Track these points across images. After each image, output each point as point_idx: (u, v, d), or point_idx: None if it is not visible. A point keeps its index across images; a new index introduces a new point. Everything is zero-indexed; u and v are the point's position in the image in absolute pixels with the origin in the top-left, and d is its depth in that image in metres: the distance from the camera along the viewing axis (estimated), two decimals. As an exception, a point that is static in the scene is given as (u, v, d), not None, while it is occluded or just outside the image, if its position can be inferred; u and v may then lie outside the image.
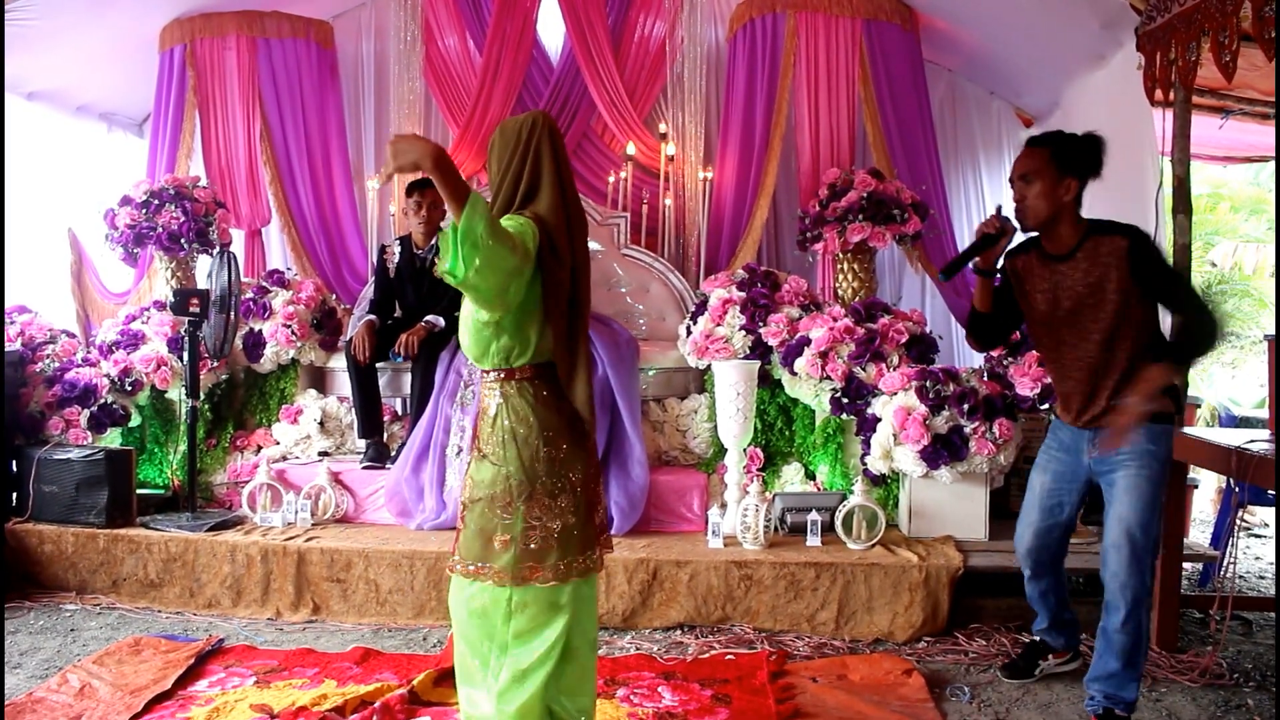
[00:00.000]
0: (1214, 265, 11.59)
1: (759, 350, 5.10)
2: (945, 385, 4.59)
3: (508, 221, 2.45)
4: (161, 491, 5.29)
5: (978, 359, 5.63)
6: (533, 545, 2.54)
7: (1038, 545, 3.54)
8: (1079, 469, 3.40)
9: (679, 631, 4.27)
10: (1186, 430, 4.22)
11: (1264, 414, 6.82)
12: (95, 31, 6.10)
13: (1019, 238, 3.39)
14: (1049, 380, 3.63)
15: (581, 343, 2.63)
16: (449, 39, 6.88)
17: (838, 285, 5.97)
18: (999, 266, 3.43)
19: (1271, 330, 4.17)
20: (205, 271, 5.48)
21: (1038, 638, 3.80)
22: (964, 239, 6.87)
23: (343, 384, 5.61)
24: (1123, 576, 3.21)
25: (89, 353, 5.47)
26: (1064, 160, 3.23)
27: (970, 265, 3.40)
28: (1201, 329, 3.14)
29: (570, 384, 2.60)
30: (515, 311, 2.50)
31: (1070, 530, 3.56)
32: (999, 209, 3.39)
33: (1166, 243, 4.51)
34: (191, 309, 5.02)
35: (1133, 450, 3.21)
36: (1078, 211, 3.28)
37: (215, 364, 5.43)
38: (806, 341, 4.95)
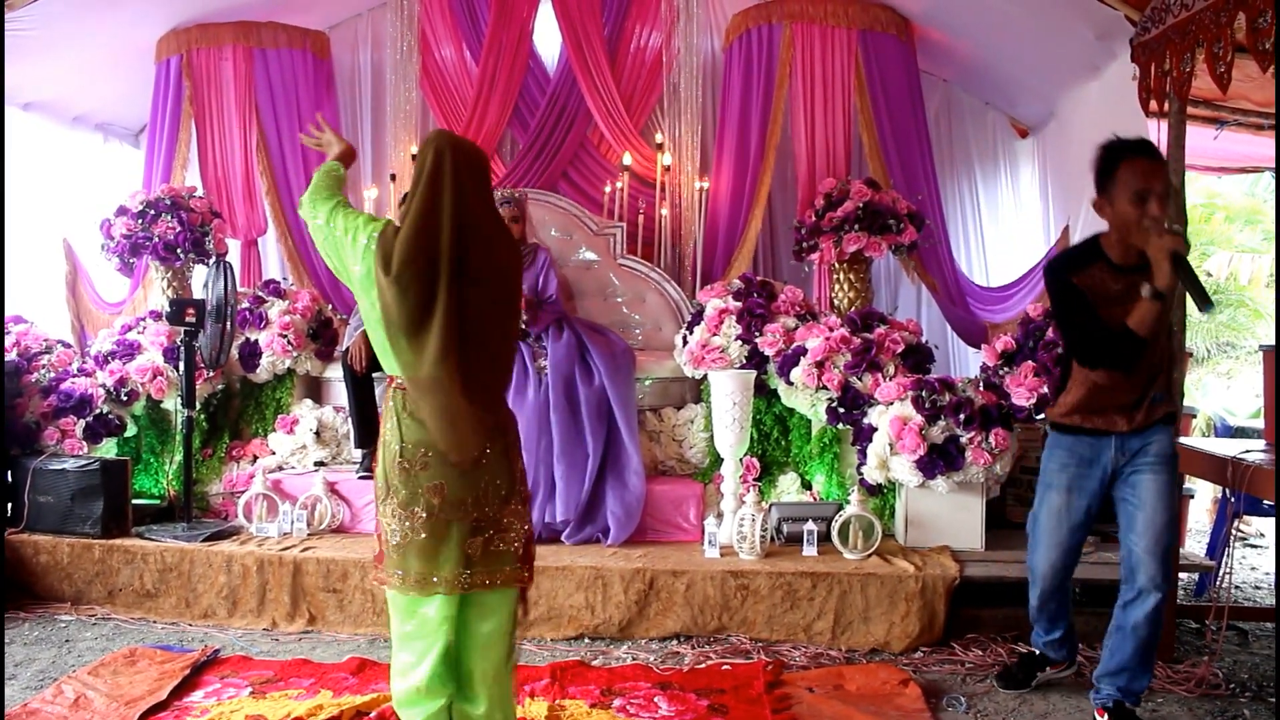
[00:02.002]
0: (1209, 275, 11.63)
1: (755, 360, 5.11)
2: (941, 395, 4.60)
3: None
4: (157, 502, 5.28)
5: (973, 369, 5.64)
6: (386, 548, 2.64)
7: (1065, 563, 3.57)
8: (1103, 478, 3.42)
9: (675, 642, 4.27)
10: (1183, 440, 4.23)
11: (1259, 424, 6.83)
12: (92, 42, 6.10)
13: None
14: (1066, 391, 3.46)
15: (428, 361, 2.49)
16: (445, 49, 6.90)
17: (834, 295, 5.98)
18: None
19: (1266, 340, 4.17)
20: (201, 282, 5.47)
21: (1038, 650, 3.80)
22: (959, 248, 6.89)
23: (339, 394, 5.62)
24: (1159, 578, 3.29)
25: (85, 363, 5.46)
26: None
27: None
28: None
29: (418, 403, 2.57)
30: (367, 320, 2.64)
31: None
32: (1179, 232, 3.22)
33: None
34: (187, 319, 5.01)
35: (1158, 454, 3.32)
36: None
37: (211, 374, 5.41)
38: (802, 351, 4.96)
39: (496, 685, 2.72)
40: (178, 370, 5.20)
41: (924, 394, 4.60)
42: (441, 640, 2.63)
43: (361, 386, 5.22)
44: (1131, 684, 3.35)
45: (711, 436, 5.04)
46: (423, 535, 2.58)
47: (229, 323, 5.14)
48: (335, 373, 5.64)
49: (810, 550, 4.54)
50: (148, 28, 6.39)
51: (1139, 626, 3.31)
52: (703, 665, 3.97)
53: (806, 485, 5.09)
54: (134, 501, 4.99)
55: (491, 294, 2.58)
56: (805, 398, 4.98)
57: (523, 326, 5.23)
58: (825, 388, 4.88)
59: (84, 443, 5.10)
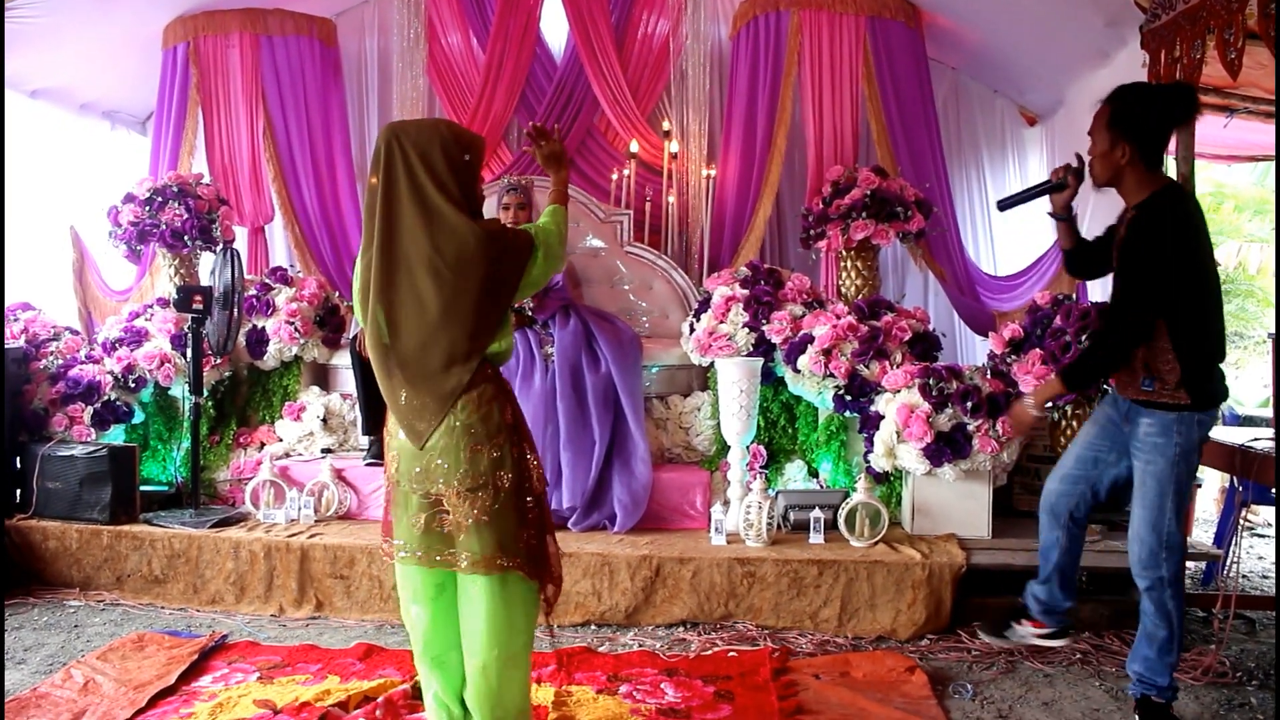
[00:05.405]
0: (1219, 264, 11.56)
1: (762, 348, 5.10)
2: (948, 383, 4.58)
3: None
4: (165, 488, 5.29)
5: (981, 357, 5.62)
6: None
7: (1059, 490, 3.46)
8: (1121, 436, 3.33)
9: (682, 628, 4.27)
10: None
11: (1268, 413, 6.81)
12: (98, 29, 6.10)
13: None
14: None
15: (374, 345, 2.72)
16: (452, 36, 6.88)
17: (841, 283, 5.96)
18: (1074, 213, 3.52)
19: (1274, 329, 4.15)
20: (208, 269, 5.48)
21: (1021, 599, 3.65)
22: (967, 236, 6.87)
23: (346, 381, 5.62)
24: (1137, 569, 3.24)
25: (92, 350, 5.46)
26: (1121, 122, 3.13)
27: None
28: (1091, 348, 3.30)
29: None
30: None
31: (1096, 500, 3.44)
32: (1078, 157, 3.38)
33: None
34: (195, 306, 5.02)
35: (1143, 442, 3.21)
36: (1147, 173, 3.16)
37: (218, 361, 5.41)
38: (810, 339, 4.94)
39: (484, 679, 2.72)
40: (185, 357, 5.20)
41: (931, 382, 4.59)
42: (428, 618, 2.78)
43: (369, 373, 5.20)
44: (1149, 675, 3.28)
45: (718, 424, 5.04)
46: (386, 498, 2.79)
47: (236, 309, 5.15)
48: (342, 359, 5.65)
49: (817, 538, 4.54)
50: (154, 15, 6.38)
51: (1141, 614, 3.30)
52: (709, 652, 3.97)
53: (813, 473, 5.09)
54: (142, 488, 5.00)
55: (431, 275, 2.61)
56: (812, 385, 4.97)
57: (529, 313, 5.23)
58: (832, 375, 4.87)
59: (92, 429, 5.12)
